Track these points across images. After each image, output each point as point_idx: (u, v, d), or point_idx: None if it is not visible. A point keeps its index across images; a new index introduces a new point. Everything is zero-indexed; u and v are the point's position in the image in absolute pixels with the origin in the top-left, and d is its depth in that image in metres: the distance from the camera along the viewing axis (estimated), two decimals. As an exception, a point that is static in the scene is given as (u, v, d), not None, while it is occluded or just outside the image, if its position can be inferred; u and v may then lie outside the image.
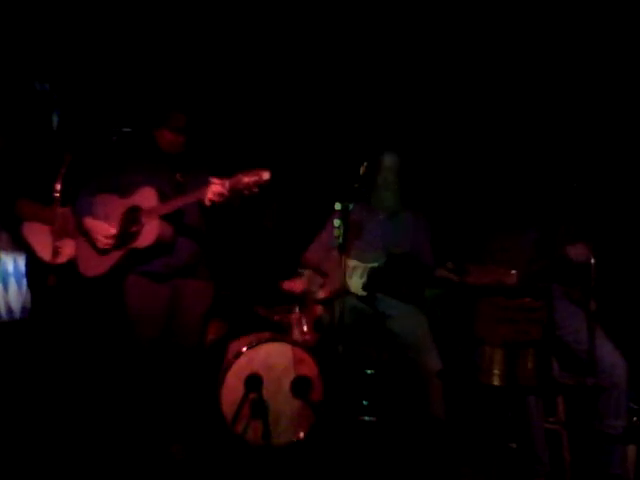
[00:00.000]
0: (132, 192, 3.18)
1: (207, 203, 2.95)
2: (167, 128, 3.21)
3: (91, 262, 3.21)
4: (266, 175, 2.86)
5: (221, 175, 3.00)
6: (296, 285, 3.75)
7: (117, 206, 3.20)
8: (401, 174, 3.58)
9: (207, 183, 2.94)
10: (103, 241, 3.14)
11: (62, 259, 3.39)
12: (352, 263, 3.45)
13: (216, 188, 2.92)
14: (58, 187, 3.25)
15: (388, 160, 3.57)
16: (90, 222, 3.18)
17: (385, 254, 3.46)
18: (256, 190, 2.89)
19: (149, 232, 3.09)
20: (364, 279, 3.45)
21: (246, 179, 2.87)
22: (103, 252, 3.18)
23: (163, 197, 3.11)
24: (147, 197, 3.12)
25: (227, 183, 2.91)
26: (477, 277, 2.94)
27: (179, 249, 3.18)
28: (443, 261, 3.28)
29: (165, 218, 3.09)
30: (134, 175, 3.21)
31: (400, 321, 3.46)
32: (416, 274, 3.48)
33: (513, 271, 2.84)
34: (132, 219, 3.14)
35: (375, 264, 3.47)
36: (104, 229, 3.15)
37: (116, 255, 3.16)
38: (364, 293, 3.46)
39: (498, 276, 2.87)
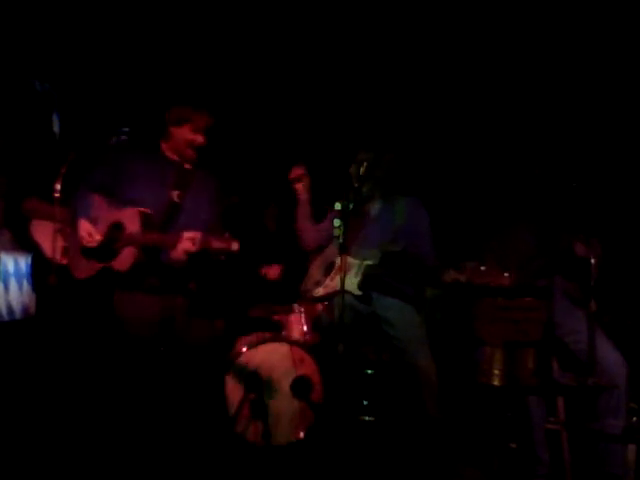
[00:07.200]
0: (122, 204, 3.09)
1: (173, 255, 2.94)
2: (191, 125, 3.09)
3: (79, 262, 3.15)
4: (235, 246, 2.90)
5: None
6: (272, 271, 3.87)
7: (105, 214, 3.12)
8: (377, 167, 3.44)
9: (180, 236, 2.91)
10: (87, 239, 3.06)
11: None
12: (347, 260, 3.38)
13: (186, 245, 2.91)
14: (58, 187, 3.23)
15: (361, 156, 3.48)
16: (82, 221, 3.08)
17: (380, 251, 3.35)
18: (222, 258, 2.96)
19: (125, 258, 3.03)
20: (359, 278, 3.35)
21: (216, 244, 2.90)
22: (86, 253, 3.11)
23: (147, 224, 3.02)
24: (132, 220, 3.03)
25: (197, 240, 2.90)
26: (472, 276, 2.92)
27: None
28: (444, 259, 3.24)
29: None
30: (133, 183, 3.13)
31: (394, 324, 3.39)
32: (414, 274, 3.42)
33: (506, 274, 2.81)
34: (115, 236, 3.08)
35: (370, 262, 3.35)
36: (91, 232, 3.05)
37: (97, 266, 3.10)
38: (359, 292, 3.36)
39: (491, 278, 2.84)
